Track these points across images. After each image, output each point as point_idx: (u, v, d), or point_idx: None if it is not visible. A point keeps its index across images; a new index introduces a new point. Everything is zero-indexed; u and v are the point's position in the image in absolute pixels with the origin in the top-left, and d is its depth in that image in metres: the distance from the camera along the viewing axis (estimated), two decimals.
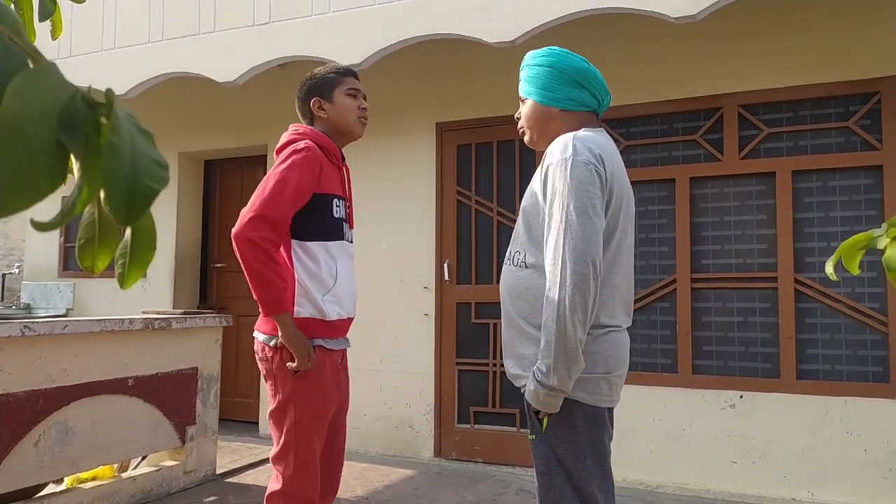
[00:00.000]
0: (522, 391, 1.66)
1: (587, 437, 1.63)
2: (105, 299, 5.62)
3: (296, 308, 2.06)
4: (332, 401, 2.14)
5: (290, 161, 2.05)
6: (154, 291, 5.46)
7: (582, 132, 1.67)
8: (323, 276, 2.09)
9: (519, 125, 1.85)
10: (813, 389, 3.59)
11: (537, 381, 1.58)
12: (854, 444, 3.48)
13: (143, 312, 3.83)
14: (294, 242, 2.09)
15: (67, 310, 5.76)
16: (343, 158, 2.27)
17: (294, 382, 2.06)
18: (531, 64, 1.78)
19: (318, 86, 2.23)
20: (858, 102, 3.66)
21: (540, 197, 1.65)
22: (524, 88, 1.80)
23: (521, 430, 4.18)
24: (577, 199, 1.55)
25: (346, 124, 2.22)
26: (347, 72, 2.27)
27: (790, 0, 3.70)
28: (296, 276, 2.08)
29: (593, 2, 3.36)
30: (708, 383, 3.79)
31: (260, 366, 2.15)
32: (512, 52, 3.63)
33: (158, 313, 3.74)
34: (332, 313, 2.10)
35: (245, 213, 2.00)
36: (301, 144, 2.09)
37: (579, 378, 1.59)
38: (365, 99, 2.27)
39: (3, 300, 6.47)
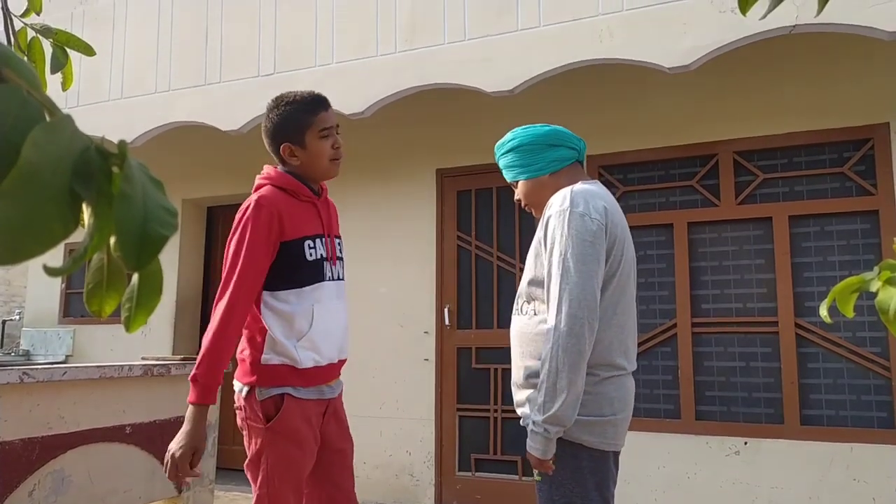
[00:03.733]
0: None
1: (593, 480, 1.64)
2: (105, 346, 5.60)
3: (263, 356, 1.99)
4: (308, 452, 2.01)
5: (240, 230, 1.97)
6: (154, 337, 5.44)
7: (579, 185, 1.76)
8: (296, 323, 1.99)
9: (523, 205, 1.93)
10: (818, 436, 3.55)
11: (530, 420, 1.62)
12: (862, 491, 3.42)
13: (143, 359, 3.81)
14: (265, 294, 2.00)
15: (67, 356, 5.72)
16: (319, 192, 2.14)
17: (265, 434, 1.96)
18: (503, 154, 1.89)
19: (288, 129, 2.03)
20: (852, 148, 3.72)
21: (542, 248, 1.73)
22: (509, 175, 1.90)
23: (523, 478, 4.10)
24: (574, 247, 1.63)
25: (320, 170, 2.08)
26: (317, 105, 2.04)
27: (783, 50, 3.79)
28: (266, 327, 2.00)
29: (589, 53, 3.44)
30: (711, 429, 3.75)
31: (237, 415, 2.07)
32: (511, 101, 3.71)
33: (158, 359, 3.72)
34: (307, 360, 1.99)
35: (218, 295, 1.98)
36: (252, 200, 1.99)
37: (585, 421, 1.62)
38: (338, 131, 2.09)
39: (2, 347, 6.44)
